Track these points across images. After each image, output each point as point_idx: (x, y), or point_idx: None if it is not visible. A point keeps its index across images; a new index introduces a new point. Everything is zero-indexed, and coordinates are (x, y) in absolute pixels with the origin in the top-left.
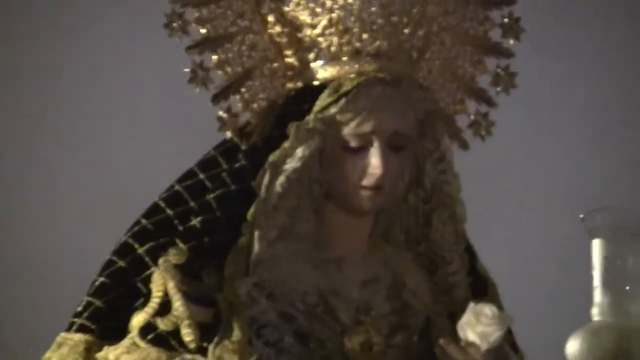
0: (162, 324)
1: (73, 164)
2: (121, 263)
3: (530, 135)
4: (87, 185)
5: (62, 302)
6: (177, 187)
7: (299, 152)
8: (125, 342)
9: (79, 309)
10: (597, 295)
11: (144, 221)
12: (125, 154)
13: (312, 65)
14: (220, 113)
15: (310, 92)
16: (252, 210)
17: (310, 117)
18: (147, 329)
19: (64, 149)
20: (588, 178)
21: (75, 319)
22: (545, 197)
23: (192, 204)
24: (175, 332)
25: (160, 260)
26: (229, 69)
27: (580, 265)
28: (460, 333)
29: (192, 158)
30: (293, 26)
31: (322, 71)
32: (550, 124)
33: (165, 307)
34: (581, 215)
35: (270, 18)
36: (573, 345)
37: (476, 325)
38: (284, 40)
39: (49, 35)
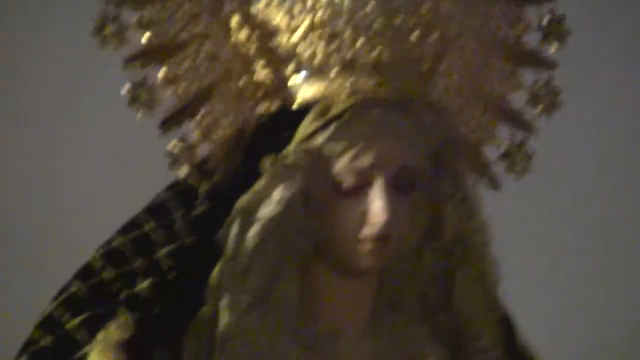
0: None
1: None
2: (44, 342)
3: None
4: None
5: None
6: (118, 241)
7: (277, 194)
8: None
9: None
10: None
11: (76, 284)
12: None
13: (291, 81)
14: (171, 145)
15: (290, 117)
16: (217, 270)
17: (290, 149)
18: None
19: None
20: None
21: None
22: None
23: (137, 262)
24: None
25: (99, 337)
26: (180, 88)
27: None
28: None
29: None
30: (264, 31)
31: (305, 88)
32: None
33: None
34: None
35: (234, 22)
36: None
37: None
38: (252, 49)
39: None
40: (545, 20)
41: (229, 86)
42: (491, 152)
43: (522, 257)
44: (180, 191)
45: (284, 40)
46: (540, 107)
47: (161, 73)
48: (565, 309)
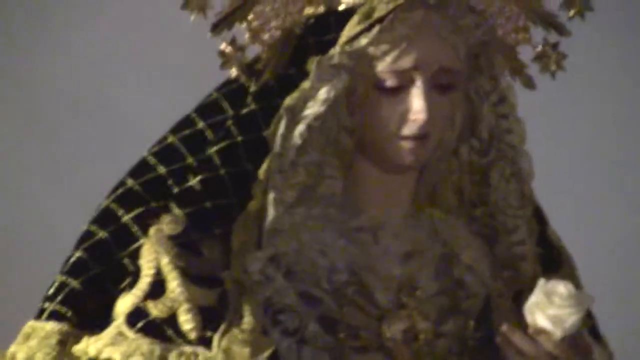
0: (155, 309)
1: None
2: (102, 234)
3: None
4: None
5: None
6: (171, 139)
7: (322, 93)
8: (110, 331)
9: (51, 291)
10: None
11: (130, 181)
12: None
13: None
14: (223, 46)
15: (335, 19)
16: (264, 166)
17: (335, 51)
18: (136, 316)
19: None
20: None
21: (47, 304)
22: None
23: (189, 159)
24: (171, 319)
25: (152, 230)
26: None
27: None
28: (528, 317)
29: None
30: None
31: None
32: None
33: (158, 288)
34: None
35: None
36: None
37: (548, 307)
38: None
39: None
40: None
41: None
42: (526, 54)
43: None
44: (230, 91)
45: None
46: (574, 9)
47: None
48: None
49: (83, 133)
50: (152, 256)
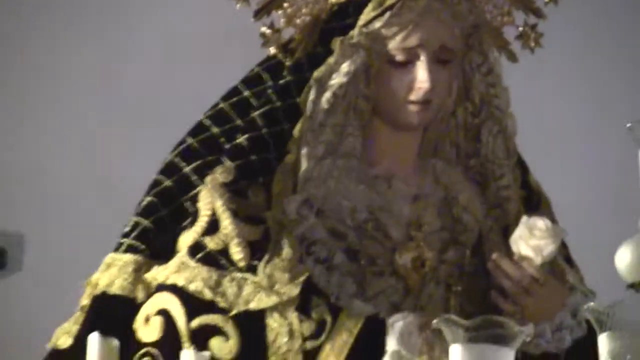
0: (211, 243)
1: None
2: (168, 182)
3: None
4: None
5: None
6: (222, 105)
7: (345, 67)
8: (175, 261)
9: (127, 229)
10: None
11: (189, 140)
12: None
13: None
14: (263, 29)
15: (354, 6)
16: (298, 127)
17: (354, 32)
18: (196, 248)
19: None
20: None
21: (124, 240)
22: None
23: (237, 121)
24: (225, 251)
25: (207, 179)
26: None
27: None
28: (514, 247)
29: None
30: None
31: None
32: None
33: (213, 226)
34: (628, 125)
35: None
36: (622, 255)
37: (529, 239)
38: None
39: None
40: None
41: None
42: (510, 34)
43: None
44: (269, 66)
45: None
46: None
47: None
48: None
49: None
50: (208, 200)
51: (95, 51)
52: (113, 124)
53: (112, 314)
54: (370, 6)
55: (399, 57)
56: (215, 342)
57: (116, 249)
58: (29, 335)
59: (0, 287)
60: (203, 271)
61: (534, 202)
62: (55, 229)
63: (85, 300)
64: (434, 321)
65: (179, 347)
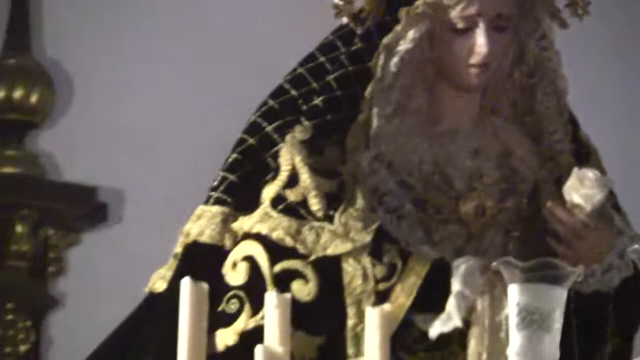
0: (292, 195)
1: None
2: (251, 141)
3: None
4: None
5: None
6: (299, 70)
7: (410, 34)
8: (259, 212)
9: (215, 183)
10: None
11: (270, 102)
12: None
13: None
14: (336, 0)
15: None
16: (369, 89)
17: (419, 2)
18: (278, 200)
19: None
20: None
21: (212, 193)
22: None
23: (314, 84)
24: (304, 202)
25: (287, 137)
26: None
27: None
28: (566, 196)
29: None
30: None
31: None
32: None
33: (293, 180)
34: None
35: None
36: None
37: (580, 188)
38: None
39: None
40: None
41: None
42: (561, 2)
43: None
44: (342, 34)
45: None
46: None
47: None
48: None
49: None
50: (288, 156)
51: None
52: (207, 82)
53: (202, 260)
54: None
55: (460, 25)
56: (295, 285)
57: (206, 202)
58: (129, 280)
59: (103, 238)
60: (284, 221)
61: (584, 155)
62: (153, 184)
63: (178, 249)
64: (494, 263)
65: (263, 290)
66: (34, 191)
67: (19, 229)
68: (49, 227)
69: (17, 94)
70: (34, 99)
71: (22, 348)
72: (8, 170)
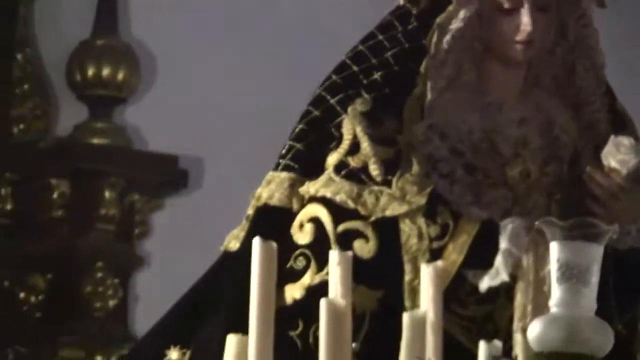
0: (353, 162)
1: None
2: (316, 112)
3: None
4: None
5: None
6: (360, 47)
7: (462, 14)
8: (323, 177)
9: (283, 151)
10: None
11: (334, 77)
12: None
13: None
14: None
15: None
16: (424, 64)
17: None
18: (340, 166)
19: None
20: None
21: (281, 160)
22: None
23: (373, 61)
24: (364, 168)
25: (349, 109)
26: None
27: None
28: (604, 161)
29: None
30: None
31: None
32: None
33: (354, 148)
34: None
35: None
36: None
37: (616, 154)
38: None
39: None
40: None
41: None
42: None
43: None
44: (399, 14)
45: None
46: None
47: None
48: None
49: None
50: (350, 126)
51: None
52: (283, 58)
53: (272, 221)
54: None
55: (506, 5)
56: (357, 244)
57: (275, 168)
58: (207, 241)
59: (185, 202)
60: (346, 185)
61: (620, 123)
62: (229, 153)
63: (250, 211)
64: (537, 223)
65: (328, 248)
66: (121, 160)
67: (107, 194)
68: (135, 193)
69: (106, 71)
70: (120, 76)
71: (111, 303)
72: (98, 141)
